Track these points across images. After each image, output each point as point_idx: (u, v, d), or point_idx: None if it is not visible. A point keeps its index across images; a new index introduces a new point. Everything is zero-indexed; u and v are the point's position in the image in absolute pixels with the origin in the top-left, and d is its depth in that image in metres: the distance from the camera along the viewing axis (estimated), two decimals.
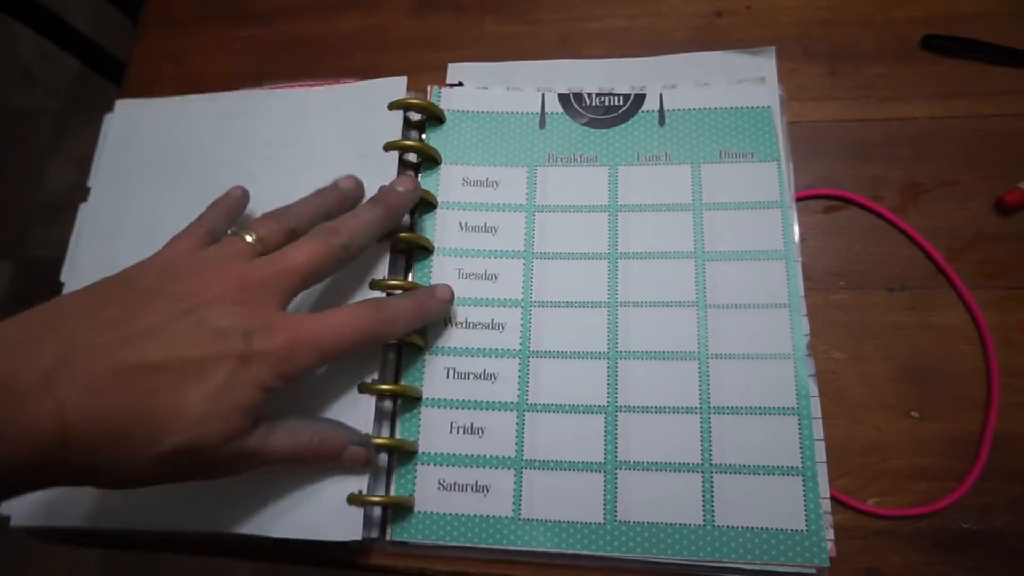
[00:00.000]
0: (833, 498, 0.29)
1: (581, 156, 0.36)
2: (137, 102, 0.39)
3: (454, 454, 0.31)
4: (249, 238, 0.27)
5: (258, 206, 0.35)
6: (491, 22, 0.41)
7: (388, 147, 0.35)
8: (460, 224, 0.34)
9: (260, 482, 0.30)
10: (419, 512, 0.30)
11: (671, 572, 0.29)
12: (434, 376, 0.32)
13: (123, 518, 0.30)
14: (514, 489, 0.30)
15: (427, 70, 0.39)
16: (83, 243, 0.36)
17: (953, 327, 0.32)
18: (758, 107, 0.36)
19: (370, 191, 0.34)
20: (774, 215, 0.34)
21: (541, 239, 0.34)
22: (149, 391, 0.23)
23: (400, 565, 0.31)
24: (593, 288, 0.33)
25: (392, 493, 0.31)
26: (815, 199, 0.35)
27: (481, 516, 0.30)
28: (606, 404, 0.31)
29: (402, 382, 0.32)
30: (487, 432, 0.31)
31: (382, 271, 0.33)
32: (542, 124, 0.36)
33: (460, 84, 0.38)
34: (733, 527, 0.29)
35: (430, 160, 0.36)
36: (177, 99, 0.39)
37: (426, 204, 0.35)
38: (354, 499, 0.29)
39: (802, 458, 0.30)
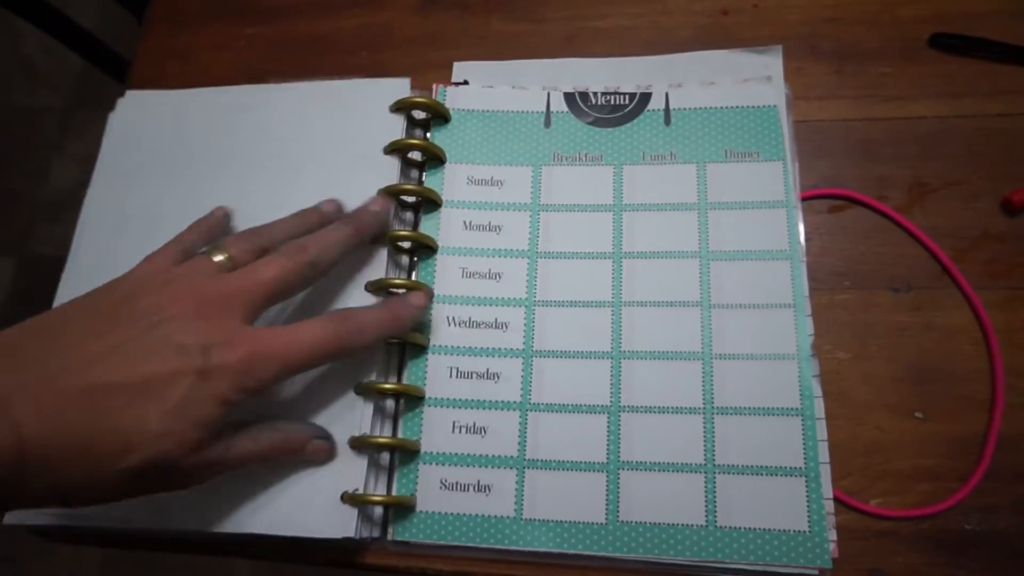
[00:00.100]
0: (836, 499, 0.29)
1: (586, 155, 0.35)
2: (143, 94, 0.39)
3: (456, 454, 0.31)
4: (219, 257, 0.28)
5: (260, 200, 0.35)
6: (496, 20, 0.41)
7: (393, 146, 0.35)
8: (464, 223, 0.34)
9: (256, 481, 0.30)
10: (421, 512, 0.30)
11: (673, 573, 0.29)
12: (437, 375, 0.32)
13: (123, 517, 0.30)
14: (516, 489, 0.30)
15: (432, 68, 0.39)
16: (86, 237, 0.36)
17: (958, 327, 0.32)
18: (764, 106, 0.35)
19: (370, 191, 0.34)
20: (779, 215, 0.33)
21: (546, 238, 0.34)
22: (111, 409, 0.24)
23: (402, 565, 0.31)
24: (597, 287, 0.33)
25: (394, 492, 0.31)
26: (820, 199, 0.35)
27: (483, 516, 0.30)
28: (609, 404, 0.31)
29: (405, 381, 0.32)
30: (490, 432, 0.31)
31: (380, 272, 0.33)
32: (547, 123, 0.36)
33: (465, 83, 0.38)
34: (736, 528, 0.29)
35: (435, 159, 0.36)
36: (182, 92, 0.39)
37: (430, 203, 0.35)
38: (350, 497, 0.29)
39: (805, 459, 0.30)
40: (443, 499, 0.30)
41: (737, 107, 0.36)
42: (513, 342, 0.32)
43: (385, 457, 0.31)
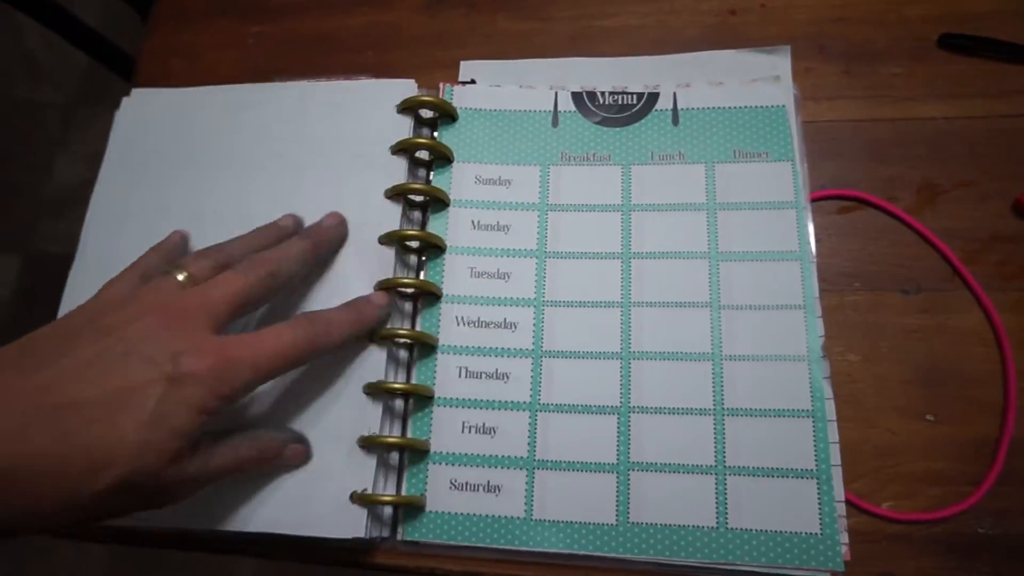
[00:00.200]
0: (848, 501, 0.29)
1: (594, 155, 0.35)
2: (149, 92, 0.39)
3: (466, 454, 0.31)
4: (179, 275, 0.28)
5: (266, 199, 0.35)
6: (503, 19, 0.41)
7: (401, 145, 0.35)
8: (473, 223, 0.34)
9: (264, 480, 0.30)
10: (430, 512, 0.30)
11: (684, 574, 0.29)
12: (446, 375, 0.32)
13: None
14: (526, 489, 0.30)
15: (438, 67, 0.39)
16: (92, 235, 0.36)
17: (969, 329, 0.32)
18: (773, 106, 0.35)
19: (377, 190, 0.34)
20: (789, 215, 0.33)
21: (554, 238, 0.34)
22: (81, 426, 0.23)
23: (411, 564, 0.30)
24: (606, 288, 0.33)
25: (403, 492, 0.30)
26: (830, 199, 0.35)
27: (493, 516, 0.30)
28: (619, 404, 0.31)
29: (414, 381, 0.32)
30: (499, 432, 0.31)
31: (388, 272, 0.32)
32: (555, 122, 0.36)
33: (472, 82, 0.38)
34: (747, 529, 0.29)
35: (442, 158, 0.36)
36: (188, 90, 0.39)
37: (438, 202, 0.35)
38: (360, 498, 0.29)
39: (816, 461, 0.29)
40: (453, 499, 0.30)
41: (745, 107, 0.35)
42: (522, 342, 0.32)
43: (394, 457, 0.31)
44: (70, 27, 0.74)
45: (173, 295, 0.27)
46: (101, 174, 0.38)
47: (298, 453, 0.30)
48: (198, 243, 0.35)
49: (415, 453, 0.31)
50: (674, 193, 0.34)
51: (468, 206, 0.35)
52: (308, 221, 0.34)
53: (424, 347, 0.32)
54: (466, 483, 0.30)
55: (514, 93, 0.37)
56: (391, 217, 0.34)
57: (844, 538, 0.28)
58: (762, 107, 0.35)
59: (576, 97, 0.37)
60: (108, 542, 0.33)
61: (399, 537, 0.30)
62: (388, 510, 0.30)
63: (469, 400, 0.32)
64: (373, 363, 0.31)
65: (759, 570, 0.28)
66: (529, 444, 0.31)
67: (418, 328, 0.33)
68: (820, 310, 0.32)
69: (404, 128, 0.35)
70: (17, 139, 1.22)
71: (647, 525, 0.29)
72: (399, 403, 0.32)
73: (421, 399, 0.32)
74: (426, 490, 0.30)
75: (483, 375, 0.32)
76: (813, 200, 0.34)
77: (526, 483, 0.30)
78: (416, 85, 0.37)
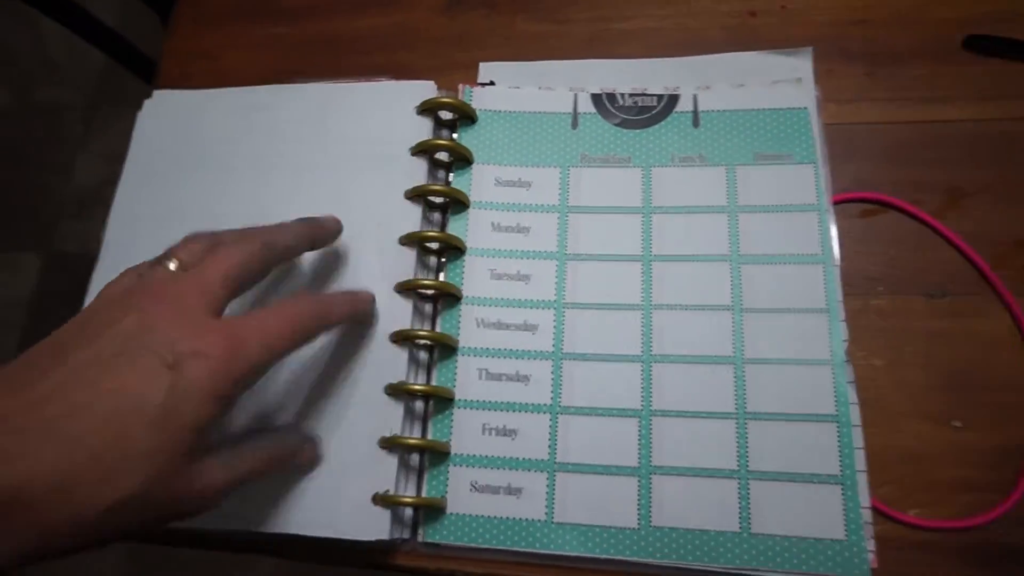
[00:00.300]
0: (874, 508, 0.29)
1: (614, 157, 0.35)
2: (170, 94, 0.40)
3: (486, 456, 0.31)
4: (171, 264, 0.26)
5: (283, 201, 0.35)
6: (522, 21, 0.40)
7: (420, 147, 0.35)
8: (492, 224, 0.34)
9: (285, 480, 0.30)
10: (451, 514, 0.30)
11: None
12: (467, 377, 0.32)
13: None
14: (547, 492, 0.30)
15: (457, 69, 0.39)
16: (115, 236, 0.36)
17: (997, 335, 0.31)
18: (794, 108, 0.35)
19: (397, 192, 0.34)
20: (811, 218, 0.33)
21: (574, 240, 0.34)
22: (84, 434, 0.21)
23: (431, 567, 0.30)
24: (626, 290, 0.33)
25: (424, 494, 0.30)
26: (852, 202, 0.35)
27: (513, 519, 0.30)
28: (640, 408, 0.31)
29: (434, 383, 0.32)
30: (520, 434, 0.31)
31: (408, 273, 0.32)
32: (574, 124, 0.36)
33: (492, 83, 0.38)
34: (770, 535, 0.28)
35: (462, 159, 0.35)
36: (208, 92, 0.39)
37: (458, 204, 0.35)
38: (381, 499, 0.29)
39: (841, 466, 0.29)
40: (473, 501, 0.30)
41: (767, 109, 0.35)
42: (542, 344, 0.32)
43: (415, 459, 0.31)
44: (89, 28, 0.74)
45: (165, 283, 0.25)
46: (123, 176, 0.38)
47: (312, 454, 0.30)
48: None
49: (436, 455, 0.31)
50: (695, 196, 0.34)
51: (488, 208, 0.35)
52: None
53: (444, 349, 0.32)
54: (487, 485, 0.30)
55: (533, 95, 0.37)
56: (411, 218, 0.34)
57: (870, 545, 0.28)
58: (784, 109, 0.35)
59: (596, 99, 0.36)
60: (126, 539, 0.33)
61: (419, 539, 0.30)
62: (408, 511, 0.30)
63: (489, 402, 0.31)
64: (394, 364, 0.31)
65: None
66: (550, 446, 0.31)
67: (438, 330, 0.33)
68: (843, 314, 0.31)
69: (424, 130, 0.35)
70: (38, 140, 1.24)
71: (669, 529, 0.29)
72: (419, 405, 0.32)
73: (441, 401, 0.32)
74: (447, 492, 0.30)
75: (503, 377, 0.32)
76: (836, 203, 0.34)
77: (547, 486, 0.30)
78: (435, 86, 0.37)
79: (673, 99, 0.36)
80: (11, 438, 0.21)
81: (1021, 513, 0.29)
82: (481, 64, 0.39)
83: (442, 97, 0.36)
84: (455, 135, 0.37)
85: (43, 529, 0.21)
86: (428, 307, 0.33)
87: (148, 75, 0.79)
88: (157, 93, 0.40)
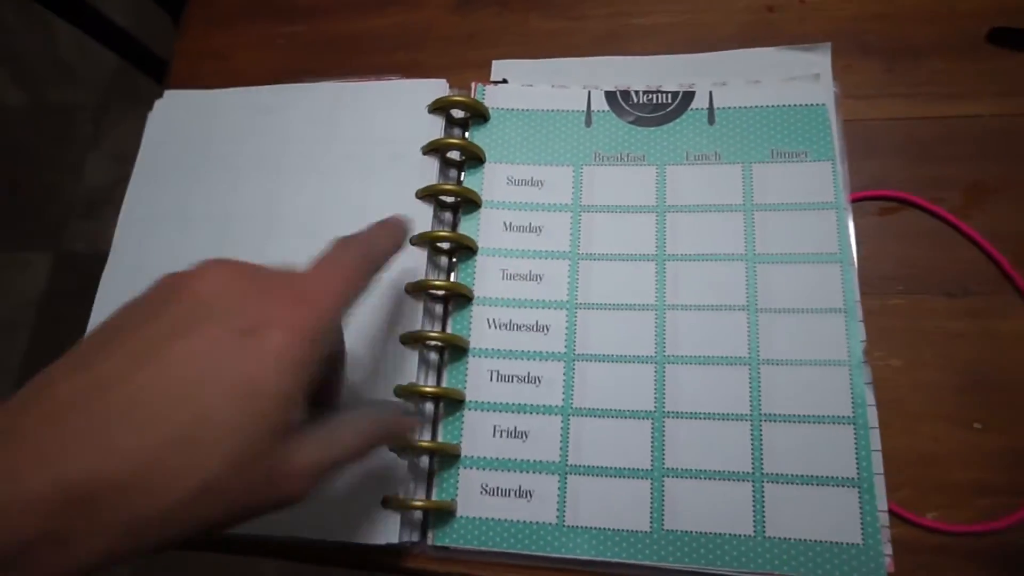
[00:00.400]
0: (891, 511, 0.28)
1: (628, 155, 0.35)
2: (181, 94, 0.40)
3: (497, 458, 0.30)
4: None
5: (294, 200, 0.35)
6: (535, 18, 0.40)
7: (432, 146, 0.35)
8: (505, 224, 0.34)
9: None
10: (461, 517, 0.30)
11: None
12: (477, 378, 0.32)
13: None
14: (558, 495, 0.30)
15: (470, 67, 0.39)
16: (125, 236, 0.36)
17: (1018, 334, 0.31)
18: (812, 105, 0.34)
19: (408, 191, 0.34)
20: (828, 217, 0.32)
21: (587, 240, 0.33)
22: (158, 416, 0.19)
23: (441, 570, 0.30)
24: (640, 290, 0.32)
25: (434, 497, 0.30)
26: (871, 200, 0.34)
27: (524, 522, 0.30)
28: (653, 409, 0.30)
29: (444, 384, 0.32)
30: (531, 436, 0.31)
31: (420, 273, 0.32)
32: (588, 122, 0.36)
33: (504, 81, 0.37)
34: (785, 539, 0.28)
35: (474, 158, 0.35)
36: (220, 92, 0.39)
37: (470, 203, 0.34)
38: (392, 502, 0.29)
39: (858, 469, 0.29)
40: (484, 504, 0.30)
41: (784, 106, 0.35)
42: (554, 345, 0.32)
43: (425, 461, 0.31)
44: (101, 28, 0.75)
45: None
46: (134, 176, 0.38)
47: (412, 425, 0.28)
48: (228, 244, 0.35)
49: (446, 457, 0.31)
50: (710, 194, 0.34)
51: (500, 207, 0.34)
52: (339, 221, 0.34)
53: (455, 350, 0.32)
54: (497, 488, 0.30)
55: (546, 93, 0.36)
56: (422, 218, 0.34)
57: (887, 549, 0.28)
58: (801, 106, 0.34)
59: (610, 96, 0.36)
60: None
61: (429, 542, 0.30)
62: (418, 514, 0.30)
63: (501, 404, 0.31)
64: (404, 366, 0.31)
65: None
66: (561, 449, 0.30)
67: (449, 331, 0.33)
68: (861, 314, 0.31)
69: (435, 128, 0.35)
70: (48, 140, 1.25)
71: (682, 533, 0.29)
72: (430, 407, 0.32)
73: (452, 403, 0.31)
74: (457, 495, 0.30)
75: (515, 379, 0.32)
76: (854, 201, 0.33)
77: (558, 488, 0.30)
78: (448, 85, 0.36)
79: (688, 96, 0.36)
80: (81, 425, 0.19)
81: None
82: (494, 62, 0.39)
83: (454, 96, 0.35)
84: (467, 134, 0.36)
85: (131, 523, 0.19)
86: (439, 308, 0.33)
87: (159, 75, 0.80)
88: (168, 93, 0.40)
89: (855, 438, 0.29)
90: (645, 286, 0.32)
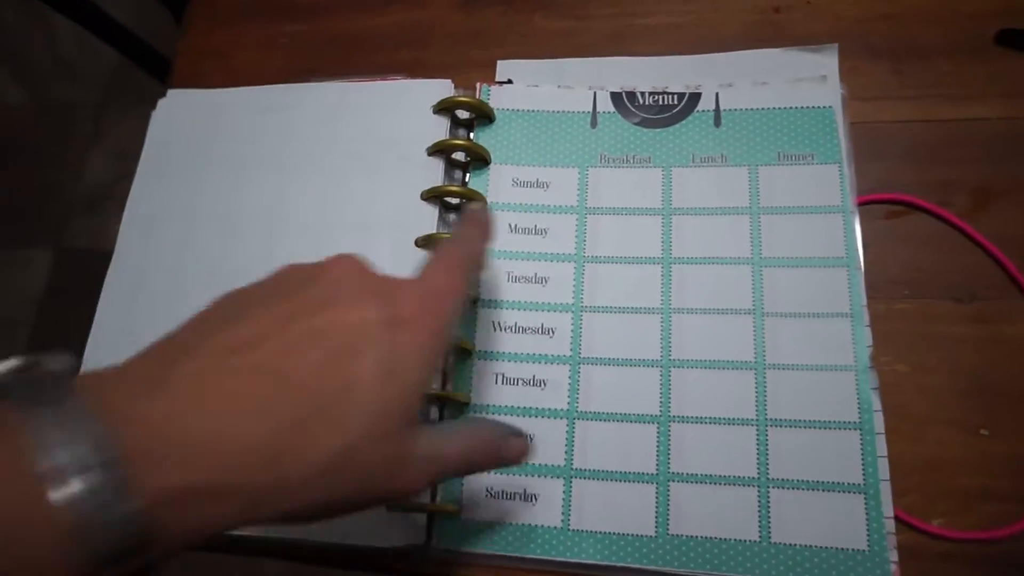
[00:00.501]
0: (897, 518, 0.28)
1: (634, 157, 0.35)
2: (184, 93, 0.39)
3: None
4: None
5: (297, 201, 0.35)
6: (540, 18, 0.40)
7: (437, 147, 0.34)
8: (510, 226, 0.34)
9: None
10: (466, 519, 0.30)
11: None
12: (482, 381, 0.31)
13: None
14: (563, 499, 0.30)
15: (474, 67, 0.38)
16: (128, 234, 0.36)
17: None
18: (819, 107, 0.34)
19: (413, 193, 0.34)
20: (835, 220, 0.32)
21: (593, 242, 0.33)
22: (312, 375, 0.19)
23: (445, 573, 0.30)
24: (646, 293, 0.32)
25: (438, 500, 0.30)
26: (878, 204, 0.34)
27: (529, 525, 0.29)
28: (658, 413, 0.30)
29: (450, 388, 0.32)
30: (536, 440, 0.30)
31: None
32: (594, 123, 0.35)
33: (509, 81, 0.37)
34: (791, 544, 0.28)
35: (479, 160, 0.35)
36: (223, 91, 0.39)
37: None
38: (396, 504, 0.29)
39: (864, 475, 0.28)
40: (488, 507, 0.30)
41: (791, 108, 0.34)
42: (560, 348, 0.32)
43: None
44: (102, 25, 0.74)
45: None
46: (138, 174, 0.38)
47: (521, 448, 0.25)
48: (233, 243, 0.35)
49: None
50: (716, 196, 0.33)
51: (505, 209, 0.34)
52: (343, 221, 0.34)
53: (460, 353, 0.32)
54: (502, 491, 0.30)
55: (552, 93, 0.36)
56: (427, 219, 0.33)
57: (893, 556, 0.27)
58: (808, 108, 0.34)
59: (615, 97, 0.36)
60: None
61: (433, 544, 0.30)
62: (423, 517, 0.30)
63: (505, 407, 0.31)
64: None
65: None
66: (567, 452, 0.30)
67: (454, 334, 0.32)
68: (868, 319, 0.31)
69: (440, 129, 0.35)
70: (49, 137, 1.24)
71: (687, 538, 0.29)
72: (434, 410, 0.31)
73: (457, 406, 0.31)
74: (462, 498, 0.30)
75: (519, 382, 0.31)
76: (860, 204, 0.33)
77: (563, 492, 0.30)
78: (452, 85, 0.36)
79: (694, 98, 0.35)
80: (227, 381, 0.18)
81: None
82: (499, 62, 0.38)
83: (459, 96, 0.35)
84: (472, 135, 0.36)
85: (270, 487, 0.18)
86: None
87: (160, 73, 0.80)
88: (171, 92, 0.39)
89: (861, 443, 0.29)
90: (651, 289, 0.32)
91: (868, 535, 0.28)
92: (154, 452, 0.16)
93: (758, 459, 0.29)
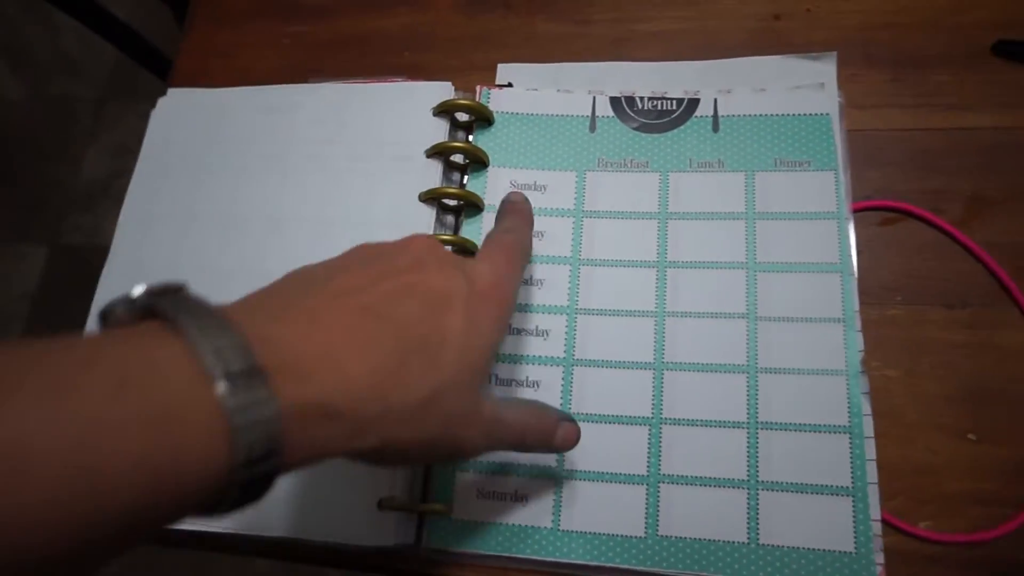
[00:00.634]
0: (884, 521, 0.29)
1: (632, 161, 0.35)
2: (185, 92, 0.40)
3: (494, 462, 0.31)
4: None
5: (297, 201, 0.35)
6: (541, 21, 0.40)
7: (436, 149, 0.35)
8: None
9: (292, 485, 0.30)
10: (456, 519, 0.30)
11: None
12: None
13: None
14: (554, 499, 0.30)
15: (475, 69, 0.39)
16: (125, 232, 0.37)
17: (1017, 347, 0.31)
18: (817, 114, 0.34)
19: (411, 194, 0.34)
20: (830, 226, 0.33)
21: (589, 245, 0.34)
22: (412, 321, 0.21)
23: (435, 572, 0.30)
24: (640, 297, 0.32)
25: (430, 500, 0.30)
26: (872, 211, 0.34)
27: (520, 526, 0.30)
28: (651, 415, 0.31)
29: None
30: None
31: None
32: (592, 127, 0.36)
33: (509, 85, 0.37)
34: (779, 546, 0.28)
35: (478, 162, 0.35)
36: (224, 91, 0.39)
37: (473, 207, 0.35)
38: (387, 504, 0.29)
39: (853, 478, 0.29)
40: (479, 507, 0.30)
41: (788, 115, 0.35)
42: (554, 350, 0.32)
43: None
44: (102, 22, 0.75)
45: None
46: (136, 172, 0.38)
47: (572, 433, 0.27)
48: (232, 243, 0.35)
49: None
50: (713, 202, 0.34)
51: None
52: (342, 222, 0.34)
53: None
54: (493, 492, 0.30)
55: (551, 97, 0.37)
56: (425, 221, 0.34)
57: (879, 558, 0.28)
58: (806, 115, 0.35)
59: (614, 102, 0.36)
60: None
61: (424, 544, 0.30)
62: (413, 517, 0.30)
63: None
64: None
65: None
66: (558, 453, 0.31)
67: None
68: (860, 324, 0.31)
69: (440, 131, 0.35)
70: (47, 133, 1.24)
71: (676, 539, 0.29)
72: None
73: None
74: (452, 498, 0.30)
75: (513, 383, 0.32)
76: (855, 211, 0.34)
77: (554, 493, 0.30)
78: (453, 88, 0.36)
79: (693, 103, 0.36)
80: (332, 323, 0.20)
81: None
82: (499, 65, 0.39)
83: (459, 99, 0.36)
84: (471, 137, 0.36)
85: (373, 419, 0.19)
86: None
87: (160, 70, 0.80)
88: (172, 91, 0.40)
89: (851, 447, 0.29)
90: (645, 292, 0.32)
91: (855, 537, 0.28)
92: (283, 367, 0.17)
93: (748, 461, 0.30)
